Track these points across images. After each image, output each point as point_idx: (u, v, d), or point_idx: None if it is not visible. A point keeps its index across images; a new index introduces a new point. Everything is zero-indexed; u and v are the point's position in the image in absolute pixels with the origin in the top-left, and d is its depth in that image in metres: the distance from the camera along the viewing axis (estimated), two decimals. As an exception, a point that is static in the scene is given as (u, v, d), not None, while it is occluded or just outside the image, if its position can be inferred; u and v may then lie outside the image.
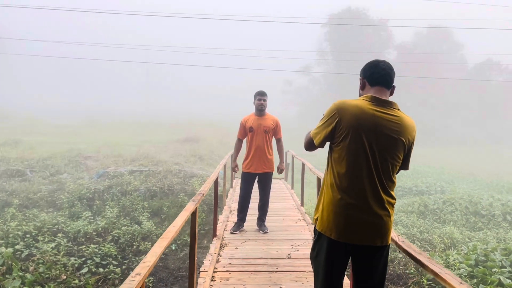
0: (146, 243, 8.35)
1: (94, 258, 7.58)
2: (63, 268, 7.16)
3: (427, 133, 37.28)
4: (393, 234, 2.74)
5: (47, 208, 10.14)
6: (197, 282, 3.91)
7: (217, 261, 4.65)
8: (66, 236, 8.37)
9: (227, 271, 4.37)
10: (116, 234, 8.51)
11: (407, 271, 6.55)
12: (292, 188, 10.72)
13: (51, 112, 37.63)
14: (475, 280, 5.91)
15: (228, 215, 7.33)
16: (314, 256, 2.53)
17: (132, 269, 7.34)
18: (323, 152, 2.68)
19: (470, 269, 6.19)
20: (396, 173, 2.47)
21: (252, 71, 36.55)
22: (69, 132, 24.04)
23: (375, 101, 2.38)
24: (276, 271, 4.41)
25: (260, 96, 5.97)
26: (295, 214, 7.60)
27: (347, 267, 2.70)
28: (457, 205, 11.21)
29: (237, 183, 11.19)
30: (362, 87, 2.55)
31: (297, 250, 5.20)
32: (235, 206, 7.98)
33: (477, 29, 29.54)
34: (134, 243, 8.34)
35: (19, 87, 53.90)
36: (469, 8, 45.24)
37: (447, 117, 39.00)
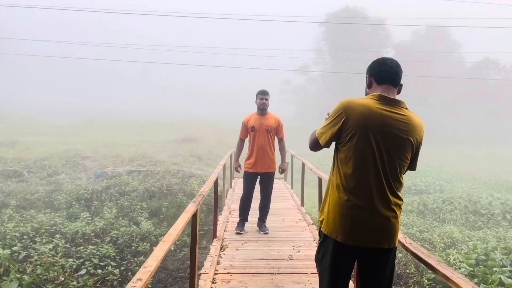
0: (144, 243, 8.30)
1: (92, 259, 7.54)
2: (61, 270, 7.13)
3: (426, 132, 37.10)
4: (400, 236, 2.68)
5: (45, 209, 10.07)
6: (198, 285, 3.86)
7: (218, 263, 4.59)
8: (64, 237, 8.31)
9: (228, 273, 4.31)
10: (115, 235, 8.47)
11: (408, 271, 6.52)
12: (292, 188, 10.67)
13: (49, 112, 37.45)
14: (476, 280, 5.90)
15: (228, 216, 7.27)
16: (320, 258, 2.47)
17: (131, 270, 7.35)
18: (322, 152, 2.62)
19: (471, 269, 6.18)
20: (404, 173, 2.42)
21: (250, 70, 36.51)
22: (67, 132, 23.93)
23: (383, 100, 2.32)
24: (277, 273, 4.35)
25: (262, 95, 5.92)
26: (295, 214, 7.56)
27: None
28: (456, 204, 11.20)
29: (236, 183, 11.14)
30: (369, 86, 2.49)
31: (299, 251, 5.15)
32: (234, 206, 7.93)
33: (475, 28, 29.58)
34: (132, 244, 8.30)
35: (17, 87, 53.67)
36: (466, 7, 45.26)
37: (445, 116, 39.03)
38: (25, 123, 26.79)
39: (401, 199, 2.37)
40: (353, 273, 3.55)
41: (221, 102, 59.21)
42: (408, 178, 16.39)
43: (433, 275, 5.85)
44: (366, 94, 2.50)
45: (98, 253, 7.75)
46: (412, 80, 36.62)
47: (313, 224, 6.73)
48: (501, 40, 46.46)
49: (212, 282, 4.03)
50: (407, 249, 2.53)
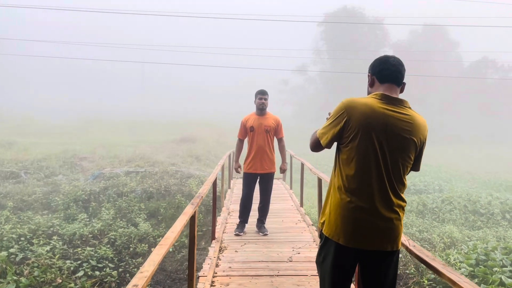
0: (143, 245, 8.26)
1: (90, 261, 7.50)
2: (58, 272, 7.08)
3: (424, 132, 37.22)
4: (404, 238, 2.63)
5: (42, 211, 10.02)
6: (196, 287, 3.80)
7: (217, 265, 4.53)
8: (62, 238, 8.27)
9: (227, 275, 4.25)
10: (113, 236, 8.43)
11: (407, 271, 6.49)
12: (291, 188, 10.62)
13: (47, 112, 37.34)
14: (476, 280, 5.87)
15: (226, 217, 7.21)
16: (321, 261, 2.42)
17: (129, 272, 7.30)
18: (321, 152, 2.57)
19: (471, 269, 6.15)
20: (407, 174, 2.37)
21: (248, 70, 36.44)
22: (65, 133, 23.84)
23: (386, 99, 2.26)
24: (277, 275, 4.29)
25: (261, 95, 5.86)
26: (294, 215, 7.50)
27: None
28: (455, 203, 11.17)
29: (235, 183, 11.08)
30: (371, 84, 2.42)
31: (298, 253, 5.09)
32: (233, 207, 7.87)
33: (473, 27, 29.60)
34: (130, 245, 8.25)
35: (15, 88, 53.50)
36: (464, 6, 45.31)
37: (444, 116, 39.04)
38: (23, 124, 26.67)
39: (404, 201, 2.32)
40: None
41: (219, 102, 59.12)
42: (407, 177, 16.32)
43: (433, 276, 5.81)
44: (368, 93, 2.44)
45: (96, 254, 7.71)
46: (410, 80, 36.60)
47: (312, 225, 6.68)
48: (499, 39, 46.51)
49: (211, 285, 3.97)
50: (410, 252, 2.48)
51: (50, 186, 11.52)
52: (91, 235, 8.51)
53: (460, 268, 6.19)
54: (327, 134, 2.32)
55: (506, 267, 6.14)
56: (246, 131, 5.93)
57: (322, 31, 44.25)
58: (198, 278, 4.06)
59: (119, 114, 39.21)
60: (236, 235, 5.90)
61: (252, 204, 6.10)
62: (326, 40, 44.41)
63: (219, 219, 6.92)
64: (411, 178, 16.31)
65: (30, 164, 13.64)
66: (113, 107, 46.35)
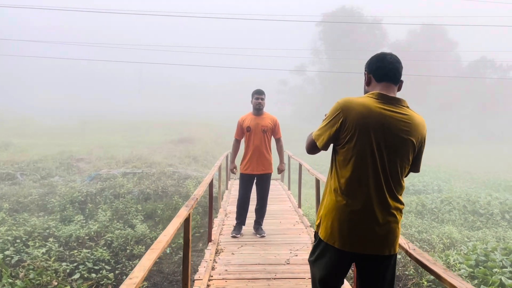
0: (140, 246, 8.20)
1: (86, 263, 7.46)
2: (54, 274, 7.04)
3: (423, 132, 37.20)
4: (403, 241, 2.57)
5: (38, 212, 9.94)
6: (191, 291, 3.73)
7: (213, 268, 4.44)
8: (58, 240, 8.21)
9: (223, 278, 4.17)
10: (109, 238, 8.39)
11: (406, 272, 6.43)
12: (289, 189, 10.55)
13: (44, 113, 37.21)
14: (476, 281, 5.83)
15: (223, 219, 7.14)
16: (313, 260, 2.36)
17: (126, 274, 7.23)
18: (320, 152, 2.50)
19: (471, 270, 6.11)
20: (405, 176, 2.30)
21: (247, 70, 36.38)
22: (62, 134, 23.74)
23: (383, 98, 2.19)
24: (274, 278, 4.21)
25: (258, 94, 5.78)
26: (292, 216, 7.42)
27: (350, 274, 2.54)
28: (455, 204, 11.11)
29: (233, 184, 11.01)
30: (368, 83, 2.35)
31: (296, 255, 5.01)
32: (230, 208, 7.80)
33: (471, 27, 29.58)
34: (127, 247, 8.20)
35: (12, 88, 53.34)
36: (462, 5, 45.37)
37: (442, 115, 39.02)
38: (20, 125, 26.55)
39: (402, 203, 2.25)
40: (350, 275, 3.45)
41: (217, 102, 59.06)
42: (406, 178, 16.26)
43: (432, 277, 5.75)
44: (365, 92, 2.37)
45: (92, 256, 7.66)
46: (409, 80, 36.57)
47: (310, 226, 6.61)
48: (498, 39, 46.53)
49: (207, 289, 3.90)
50: (410, 255, 2.41)
51: (46, 188, 11.45)
52: (87, 237, 8.45)
53: (459, 269, 6.13)
54: (323, 135, 2.25)
55: (506, 268, 6.10)
56: (243, 131, 5.85)
57: (320, 31, 44.20)
58: (193, 281, 3.99)
59: (116, 114, 39.10)
60: (233, 237, 5.82)
61: (250, 205, 6.03)
62: (324, 40, 44.37)
63: (216, 221, 6.85)
64: (409, 178, 16.24)
65: (26, 166, 13.55)
66: (110, 107, 46.24)
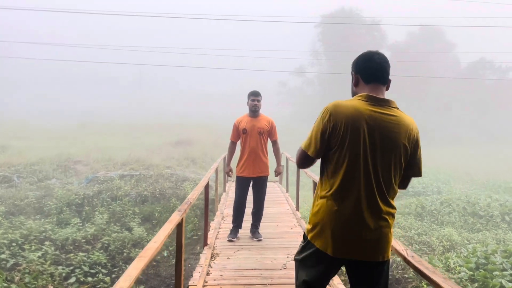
0: (137, 250, 8.15)
1: (83, 266, 7.41)
2: (50, 278, 7.00)
3: (422, 133, 36.91)
4: (401, 247, 2.51)
5: (34, 215, 9.87)
6: (185, 297, 3.66)
7: (208, 273, 4.35)
8: (54, 244, 8.15)
9: (217, 284, 4.07)
10: (106, 241, 8.33)
11: (406, 275, 6.37)
12: (287, 191, 10.47)
13: (41, 115, 37.11)
14: (476, 284, 5.77)
15: (220, 222, 7.05)
16: (300, 259, 2.31)
17: (122, 278, 7.16)
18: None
19: (471, 273, 6.05)
20: (407, 181, 2.25)
21: (246, 72, 36.34)
22: (59, 136, 23.61)
23: (372, 100, 2.14)
24: (271, 284, 4.13)
25: (254, 96, 5.70)
26: (290, 219, 7.33)
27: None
28: (454, 206, 11.05)
29: (230, 187, 10.93)
30: (356, 84, 2.30)
31: (293, 260, 4.93)
32: (227, 211, 7.72)
33: (470, 28, 29.55)
34: (124, 250, 8.15)
35: (9, 90, 53.19)
36: (460, 6, 45.34)
37: (442, 117, 38.99)
38: (17, 127, 26.43)
39: (394, 207, 2.19)
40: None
41: (216, 104, 58.92)
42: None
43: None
44: (353, 93, 2.32)
45: (88, 260, 7.61)
46: (408, 81, 36.56)
47: (308, 229, 6.52)
48: (496, 40, 46.52)
49: (201, 294, 3.82)
50: (408, 263, 2.33)
51: (43, 190, 11.38)
52: (84, 240, 8.39)
53: (459, 272, 6.07)
54: (314, 143, 2.18)
55: (507, 270, 6.04)
56: (239, 133, 5.76)
57: (319, 33, 44.18)
58: (187, 287, 3.91)
59: (114, 116, 39.00)
60: (229, 241, 5.73)
61: (246, 208, 5.94)
62: (323, 42, 44.34)
63: (213, 224, 6.77)
64: (409, 180, 16.15)
65: (23, 168, 13.46)
66: (108, 109, 46.14)
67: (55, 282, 6.98)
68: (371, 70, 2.22)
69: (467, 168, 20.50)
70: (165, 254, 8.05)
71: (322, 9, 44.91)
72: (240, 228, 5.97)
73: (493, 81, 41.24)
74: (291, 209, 8.20)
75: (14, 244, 7.96)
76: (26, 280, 6.84)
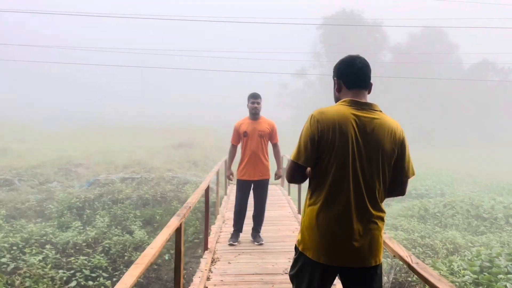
0: (138, 253, 8.08)
1: (84, 270, 7.38)
2: (50, 282, 6.97)
3: (425, 135, 37.13)
4: (405, 253, 2.48)
5: (35, 219, 9.86)
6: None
7: (208, 278, 4.29)
8: (55, 247, 8.12)
9: (218, 290, 4.03)
10: (107, 245, 8.29)
11: (409, 279, 6.29)
12: (289, 194, 10.40)
13: (43, 118, 37.16)
14: (480, 288, 5.68)
15: (221, 225, 6.98)
16: (294, 274, 2.30)
17: (123, 283, 7.11)
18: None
19: (475, 276, 5.96)
20: (403, 185, 2.24)
21: (247, 74, 36.34)
22: (61, 139, 23.65)
23: (356, 104, 2.16)
24: (271, 289, 4.08)
25: (253, 99, 5.64)
26: (292, 223, 7.25)
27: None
28: (458, 208, 10.95)
29: (232, 189, 10.87)
30: (338, 90, 2.32)
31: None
32: (229, 215, 7.65)
33: (472, 28, 29.45)
34: (125, 253, 8.10)
35: (10, 93, 53.32)
36: (462, 7, 45.25)
37: (444, 118, 38.89)
38: (18, 130, 26.47)
39: (383, 211, 2.19)
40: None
41: (217, 106, 58.92)
42: (408, 182, 16.10)
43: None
44: (336, 98, 2.34)
45: (89, 264, 7.56)
46: (410, 82, 36.48)
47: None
48: (499, 41, 46.41)
49: (201, 300, 3.76)
50: (413, 270, 2.28)
51: (44, 194, 11.36)
52: (85, 244, 8.35)
53: (464, 276, 5.99)
54: (305, 152, 2.15)
55: (511, 274, 5.94)
56: (239, 136, 5.70)
57: (321, 35, 44.18)
58: (187, 292, 3.85)
59: (116, 119, 39.06)
60: (230, 245, 5.66)
61: (248, 211, 5.88)
62: (324, 44, 44.32)
63: (214, 228, 6.70)
64: (412, 182, 16.06)
65: (24, 171, 13.46)
66: (110, 112, 46.23)
67: (56, 286, 6.95)
68: (353, 76, 2.24)
69: (470, 169, 20.41)
70: (167, 258, 8.01)
71: (323, 11, 44.87)
72: (241, 232, 5.91)
73: (496, 82, 41.13)
74: (293, 212, 8.12)
75: (15, 247, 7.94)
76: (27, 284, 6.81)
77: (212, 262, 4.90)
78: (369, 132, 2.11)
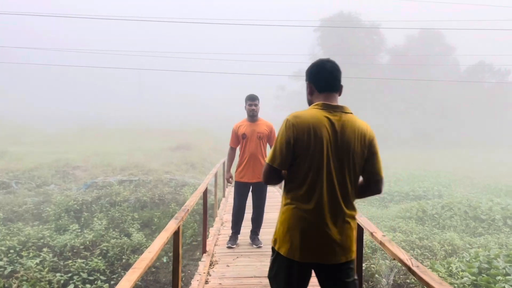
0: (136, 256, 8.05)
1: (81, 273, 7.35)
2: (48, 285, 6.95)
3: (422, 136, 37.22)
4: (405, 256, 2.51)
5: (33, 221, 9.81)
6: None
7: (206, 282, 4.27)
8: (52, 250, 8.09)
9: (216, 292, 4.01)
10: (105, 247, 8.26)
11: (408, 281, 6.28)
12: (287, 196, 10.36)
13: (41, 121, 37.04)
14: (479, 290, 5.68)
15: (219, 228, 6.96)
16: (272, 276, 2.34)
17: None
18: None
19: (474, 278, 5.98)
20: (376, 184, 2.29)
21: (245, 76, 36.33)
22: (58, 141, 23.57)
23: (327, 107, 2.25)
24: (270, 292, 4.05)
25: (251, 101, 5.62)
26: (290, 224, 7.24)
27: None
28: (456, 209, 10.96)
29: (230, 191, 10.84)
30: (311, 93, 2.41)
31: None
32: (227, 217, 7.64)
33: (469, 30, 29.55)
34: (123, 256, 8.08)
35: (8, 95, 53.16)
36: (459, 10, 45.43)
37: (441, 120, 38.97)
38: (16, 133, 26.35)
39: (355, 210, 2.28)
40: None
41: (215, 109, 58.89)
42: (406, 183, 16.15)
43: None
44: (309, 101, 2.43)
45: (87, 267, 7.54)
46: (408, 84, 36.55)
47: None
48: (495, 43, 46.57)
49: (200, 303, 3.74)
50: (413, 273, 2.27)
51: (41, 196, 11.31)
52: (82, 247, 8.32)
53: (462, 277, 6.00)
54: (281, 155, 2.22)
55: (510, 275, 5.96)
56: (238, 138, 5.68)
57: (318, 37, 44.22)
58: (186, 296, 3.83)
59: (114, 121, 38.96)
60: (229, 247, 5.64)
61: (246, 213, 5.85)
62: (322, 46, 44.32)
63: (212, 230, 6.68)
64: (410, 183, 16.10)
65: (21, 174, 13.40)
66: (108, 114, 46.10)
67: (53, 290, 6.90)
68: (323, 80, 2.32)
69: (467, 171, 20.43)
70: (165, 260, 7.98)
71: (321, 13, 44.94)
72: (239, 234, 5.89)
73: (493, 84, 41.25)
74: (291, 214, 8.10)
75: (12, 251, 7.92)
76: (24, 287, 6.77)
77: (210, 265, 4.88)
78: (341, 134, 2.18)
